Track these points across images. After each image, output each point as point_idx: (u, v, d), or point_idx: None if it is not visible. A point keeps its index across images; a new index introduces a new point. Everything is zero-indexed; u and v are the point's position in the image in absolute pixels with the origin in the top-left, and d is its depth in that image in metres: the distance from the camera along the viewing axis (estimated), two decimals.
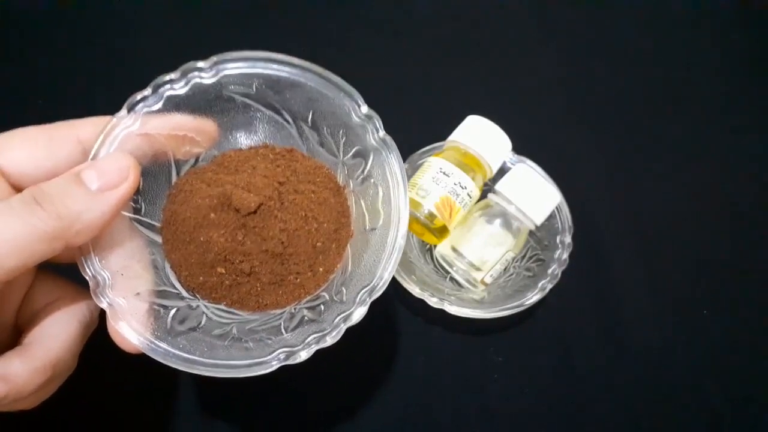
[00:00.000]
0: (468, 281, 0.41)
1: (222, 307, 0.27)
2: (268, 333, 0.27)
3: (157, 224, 0.28)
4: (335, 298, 0.27)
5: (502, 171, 0.42)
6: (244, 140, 0.29)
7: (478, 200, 0.41)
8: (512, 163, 0.43)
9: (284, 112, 0.29)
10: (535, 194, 0.40)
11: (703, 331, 0.43)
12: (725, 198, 0.49)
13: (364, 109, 0.29)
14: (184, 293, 0.27)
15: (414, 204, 0.39)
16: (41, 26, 0.56)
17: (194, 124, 0.27)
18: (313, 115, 0.29)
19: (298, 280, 0.27)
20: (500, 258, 0.40)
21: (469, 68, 0.56)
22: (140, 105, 0.27)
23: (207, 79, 0.28)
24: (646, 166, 0.50)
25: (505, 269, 0.41)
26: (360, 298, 0.26)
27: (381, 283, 0.26)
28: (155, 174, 0.28)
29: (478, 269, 0.40)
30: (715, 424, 0.40)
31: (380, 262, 0.27)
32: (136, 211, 0.27)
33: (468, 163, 0.40)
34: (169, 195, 0.28)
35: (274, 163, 0.28)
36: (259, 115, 0.29)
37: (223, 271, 0.26)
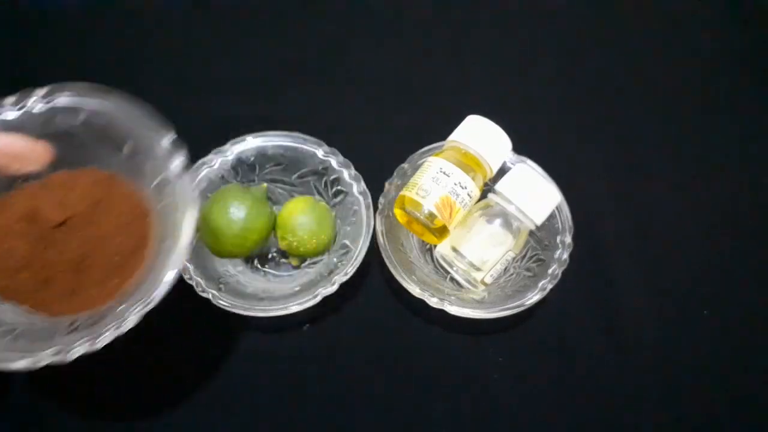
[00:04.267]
0: (468, 281, 0.41)
1: (26, 309, 0.30)
2: (49, 333, 0.29)
3: None
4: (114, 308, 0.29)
5: (503, 171, 0.42)
6: (74, 163, 0.33)
7: (478, 200, 0.41)
8: (512, 163, 0.43)
9: (107, 143, 0.33)
10: (535, 194, 0.40)
11: (703, 331, 0.43)
12: (725, 198, 0.49)
13: (167, 142, 0.32)
14: None
15: (414, 204, 0.39)
16: (41, 26, 0.56)
17: (25, 145, 0.29)
18: (131, 147, 0.33)
19: (93, 291, 0.30)
20: (500, 258, 0.40)
21: (470, 68, 0.56)
22: None
23: (38, 107, 0.31)
24: (646, 166, 0.50)
25: (505, 269, 0.41)
26: (135, 309, 0.28)
27: (154, 298, 0.28)
28: None
29: (478, 269, 0.40)
30: (715, 424, 0.40)
31: (158, 279, 0.29)
32: None
33: (468, 162, 0.40)
34: None
35: (95, 186, 0.32)
36: (87, 143, 0.32)
37: (27, 276, 0.29)
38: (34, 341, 0.28)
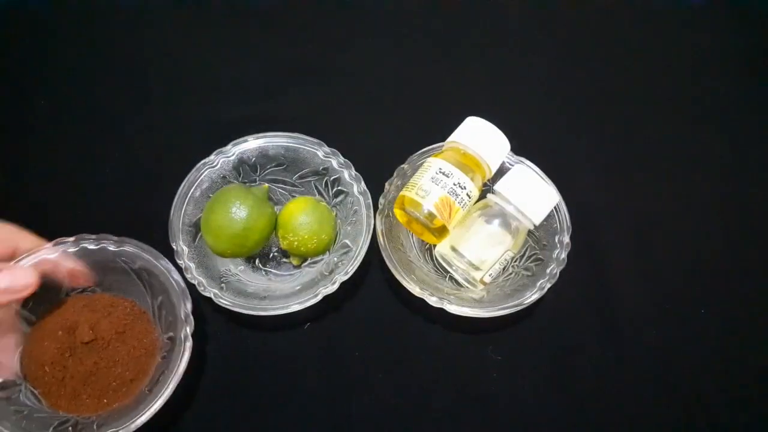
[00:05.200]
0: (467, 280, 0.42)
1: (39, 395, 0.37)
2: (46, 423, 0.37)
3: (34, 319, 0.39)
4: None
5: (501, 171, 0.42)
6: (120, 291, 0.41)
7: (477, 200, 0.42)
8: (511, 164, 0.43)
9: (149, 289, 0.40)
10: (533, 194, 0.40)
11: (701, 330, 0.43)
12: (723, 197, 0.49)
13: (188, 308, 0.38)
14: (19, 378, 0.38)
15: (413, 204, 0.39)
16: (42, 27, 0.56)
17: (83, 270, 0.39)
18: (161, 300, 0.40)
19: (89, 401, 0.37)
20: (499, 257, 0.40)
21: (469, 69, 0.56)
22: (62, 246, 0.39)
23: (90, 246, 0.40)
24: (644, 166, 0.50)
25: (504, 269, 0.42)
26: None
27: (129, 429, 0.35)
28: (48, 287, 0.38)
29: (477, 268, 0.41)
30: (714, 424, 0.40)
31: (137, 414, 0.36)
32: (25, 304, 0.38)
33: (467, 163, 0.41)
34: (51, 305, 0.39)
35: (127, 316, 0.39)
36: (134, 281, 0.40)
37: (48, 372, 0.37)
38: (34, 425, 0.36)
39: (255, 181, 0.45)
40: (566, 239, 0.41)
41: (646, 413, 0.40)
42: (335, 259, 0.42)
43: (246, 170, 0.45)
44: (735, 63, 0.57)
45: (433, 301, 0.39)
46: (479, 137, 0.41)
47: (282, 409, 0.40)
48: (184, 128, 0.51)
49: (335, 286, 0.39)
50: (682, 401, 0.41)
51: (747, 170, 0.51)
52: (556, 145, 0.51)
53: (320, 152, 0.44)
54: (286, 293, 0.41)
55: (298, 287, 0.41)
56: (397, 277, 0.40)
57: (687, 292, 0.45)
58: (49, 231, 0.39)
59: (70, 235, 0.39)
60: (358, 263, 0.40)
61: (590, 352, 0.42)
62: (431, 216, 0.39)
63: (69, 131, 0.51)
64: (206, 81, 0.54)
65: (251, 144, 0.44)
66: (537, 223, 0.40)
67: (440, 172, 0.40)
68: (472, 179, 0.40)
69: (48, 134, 0.51)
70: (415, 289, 0.39)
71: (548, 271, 0.40)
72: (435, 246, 0.43)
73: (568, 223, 0.42)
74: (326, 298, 0.39)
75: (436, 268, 0.44)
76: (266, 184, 0.45)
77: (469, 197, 0.40)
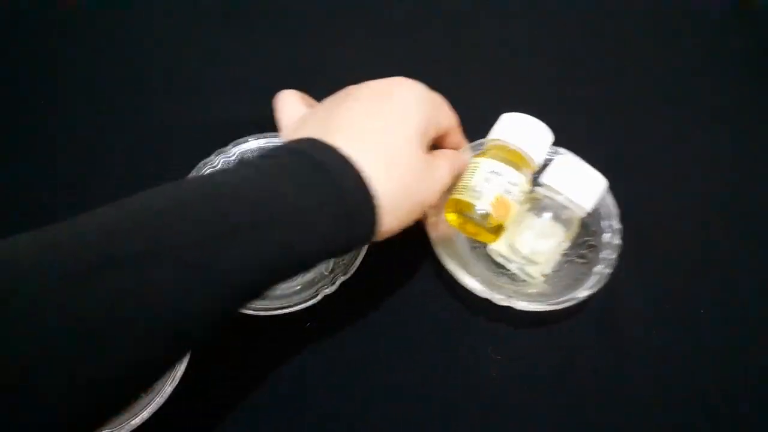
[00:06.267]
0: (525, 275, 0.41)
1: None
2: None
3: None
4: None
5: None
6: None
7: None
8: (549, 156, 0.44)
9: None
10: (581, 182, 0.40)
11: (701, 330, 0.43)
12: (723, 196, 0.49)
13: None
14: None
15: (467, 206, 0.39)
16: (42, 27, 0.56)
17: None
18: None
19: None
20: (555, 249, 0.41)
21: (469, 69, 0.56)
22: None
23: None
24: (645, 165, 0.50)
25: (560, 259, 0.42)
26: None
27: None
28: None
29: (534, 263, 0.41)
30: (714, 424, 0.40)
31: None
32: None
33: (514, 159, 0.41)
34: None
35: None
36: None
37: None
38: None
39: None
40: (615, 223, 0.42)
41: (646, 413, 0.40)
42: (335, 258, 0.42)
43: None
44: (739, 63, 0.57)
45: (498, 299, 0.39)
46: (523, 132, 0.41)
47: (282, 407, 0.40)
48: (184, 128, 0.51)
49: (335, 286, 0.39)
50: (682, 401, 0.41)
51: (749, 169, 0.51)
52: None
53: None
54: (286, 293, 0.41)
55: (298, 287, 0.41)
56: (462, 279, 0.40)
57: (687, 292, 0.45)
58: None
59: None
60: (359, 263, 0.40)
61: (590, 352, 0.42)
62: (488, 216, 0.39)
63: (69, 131, 0.51)
64: (206, 81, 0.54)
65: (251, 144, 0.44)
66: (588, 210, 0.41)
67: (491, 171, 0.39)
68: (522, 174, 0.40)
69: (48, 134, 0.51)
70: (480, 290, 0.39)
71: (602, 256, 0.41)
72: (485, 245, 0.43)
73: (615, 206, 0.43)
74: (326, 297, 0.39)
75: (488, 266, 0.43)
76: None
77: (522, 193, 0.40)
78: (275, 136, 0.45)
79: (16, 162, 0.49)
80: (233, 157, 0.44)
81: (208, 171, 0.44)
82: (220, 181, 0.29)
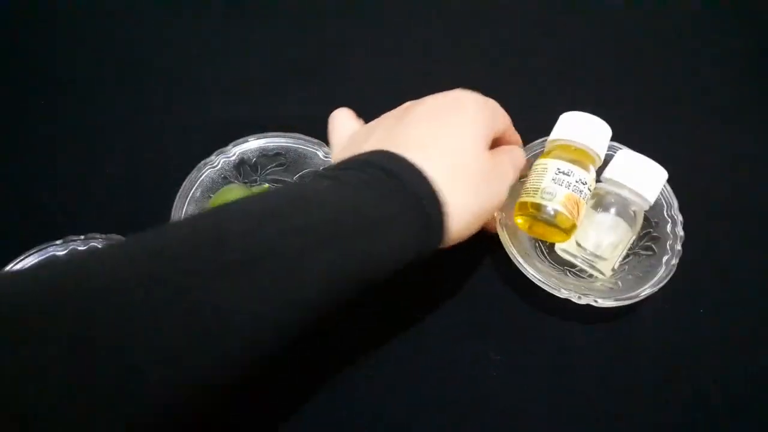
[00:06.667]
0: (595, 271, 0.42)
1: None
2: None
3: None
4: None
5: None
6: None
7: None
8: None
9: None
10: (643, 174, 0.41)
11: (701, 330, 0.43)
12: (723, 196, 0.49)
13: None
14: None
15: (541, 208, 0.39)
16: (42, 27, 0.56)
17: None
18: None
19: None
20: (622, 243, 0.41)
21: (469, 69, 0.56)
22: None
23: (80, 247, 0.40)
24: None
25: (627, 253, 0.43)
26: None
27: None
28: None
29: (602, 258, 0.41)
30: (714, 423, 0.40)
31: None
32: None
33: (579, 158, 0.41)
34: None
35: None
36: None
37: None
38: None
39: (255, 181, 0.46)
40: (676, 214, 0.43)
41: (646, 413, 0.40)
42: None
43: (246, 170, 0.45)
44: (740, 63, 0.57)
45: (578, 298, 0.39)
46: (584, 129, 0.41)
47: (281, 408, 0.40)
48: (184, 128, 0.51)
49: None
50: (682, 401, 0.41)
51: (749, 169, 0.51)
52: None
53: (320, 152, 0.44)
54: None
55: None
56: (543, 284, 0.40)
57: (686, 291, 0.45)
58: (49, 231, 0.39)
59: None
60: None
61: (590, 352, 0.42)
62: (561, 215, 0.39)
63: (69, 131, 0.51)
64: (206, 81, 0.54)
65: (252, 144, 0.44)
66: (652, 201, 0.41)
67: (560, 172, 0.40)
68: (588, 172, 0.41)
69: (48, 134, 0.51)
70: (561, 291, 0.39)
71: (669, 245, 0.41)
72: (549, 245, 0.44)
73: (673, 196, 0.43)
74: None
75: (552, 265, 0.44)
76: (267, 184, 0.45)
77: (590, 191, 0.41)
78: (275, 136, 0.45)
79: (16, 162, 0.49)
80: (233, 157, 0.44)
81: (208, 171, 0.44)
82: (302, 192, 0.30)
